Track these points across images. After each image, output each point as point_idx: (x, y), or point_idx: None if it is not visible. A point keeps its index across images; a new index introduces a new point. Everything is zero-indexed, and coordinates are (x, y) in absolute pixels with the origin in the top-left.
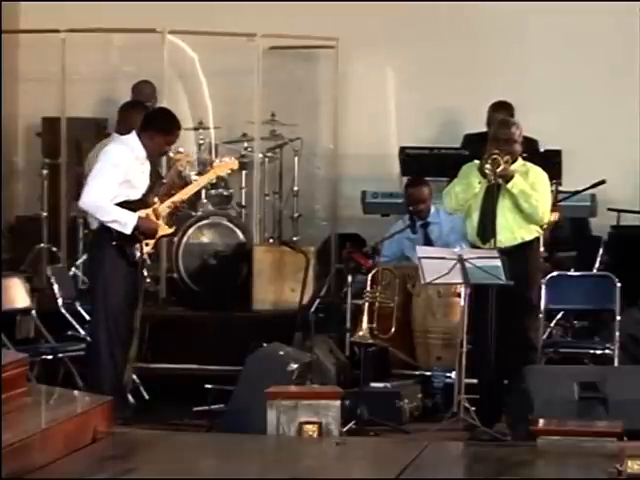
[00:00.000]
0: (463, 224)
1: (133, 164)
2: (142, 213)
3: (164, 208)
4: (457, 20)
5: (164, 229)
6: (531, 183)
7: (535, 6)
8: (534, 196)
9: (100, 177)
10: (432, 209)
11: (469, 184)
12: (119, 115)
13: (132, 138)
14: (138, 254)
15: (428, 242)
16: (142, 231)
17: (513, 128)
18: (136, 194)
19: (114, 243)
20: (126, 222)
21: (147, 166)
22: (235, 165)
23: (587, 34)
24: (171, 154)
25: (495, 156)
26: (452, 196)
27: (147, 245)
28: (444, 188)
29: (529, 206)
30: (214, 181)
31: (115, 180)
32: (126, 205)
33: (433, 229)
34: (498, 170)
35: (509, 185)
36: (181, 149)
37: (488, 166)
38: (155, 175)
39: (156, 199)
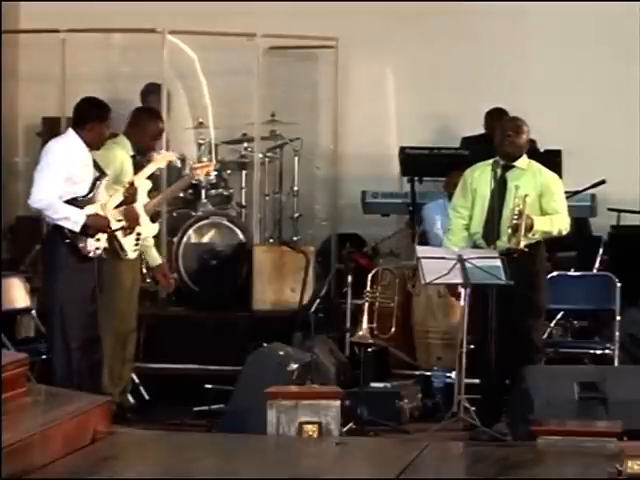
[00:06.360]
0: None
1: (73, 160)
2: (90, 209)
3: (112, 203)
4: (457, 19)
5: (114, 224)
6: (541, 193)
7: (535, 6)
8: (554, 227)
9: (46, 174)
10: None
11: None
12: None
13: (70, 134)
14: (92, 249)
15: None
16: (91, 228)
17: (519, 122)
18: (82, 190)
19: (67, 241)
20: (76, 220)
21: (90, 159)
22: (172, 157)
23: (587, 34)
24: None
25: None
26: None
27: (99, 240)
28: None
29: (548, 235)
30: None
31: (60, 177)
32: (73, 202)
33: None
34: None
35: (530, 234)
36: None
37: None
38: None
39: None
